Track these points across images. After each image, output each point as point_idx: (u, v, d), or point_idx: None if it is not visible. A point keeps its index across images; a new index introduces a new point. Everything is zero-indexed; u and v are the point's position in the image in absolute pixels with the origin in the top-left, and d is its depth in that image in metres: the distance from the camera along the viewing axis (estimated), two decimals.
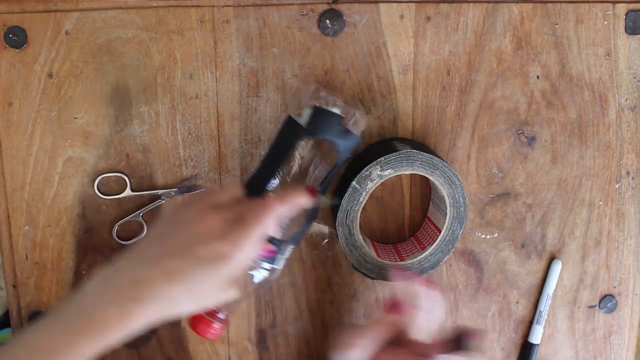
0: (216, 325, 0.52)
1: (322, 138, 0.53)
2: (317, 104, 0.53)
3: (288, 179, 0.55)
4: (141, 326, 0.42)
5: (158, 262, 0.43)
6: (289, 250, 0.54)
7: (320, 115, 0.52)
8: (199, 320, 0.53)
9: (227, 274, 0.43)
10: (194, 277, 0.42)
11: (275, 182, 0.54)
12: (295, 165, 0.55)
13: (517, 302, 0.67)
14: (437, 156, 0.56)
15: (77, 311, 0.42)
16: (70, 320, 0.41)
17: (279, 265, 0.53)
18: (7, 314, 1.22)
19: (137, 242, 0.46)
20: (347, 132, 0.53)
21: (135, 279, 0.42)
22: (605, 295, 0.67)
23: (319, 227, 0.63)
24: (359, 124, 0.54)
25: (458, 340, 0.50)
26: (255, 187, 0.52)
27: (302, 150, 0.55)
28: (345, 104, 0.55)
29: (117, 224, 0.61)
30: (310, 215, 0.54)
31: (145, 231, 0.61)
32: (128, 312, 0.41)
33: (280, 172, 0.54)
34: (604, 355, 0.69)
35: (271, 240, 0.52)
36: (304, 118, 0.53)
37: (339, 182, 0.61)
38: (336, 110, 0.53)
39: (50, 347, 0.40)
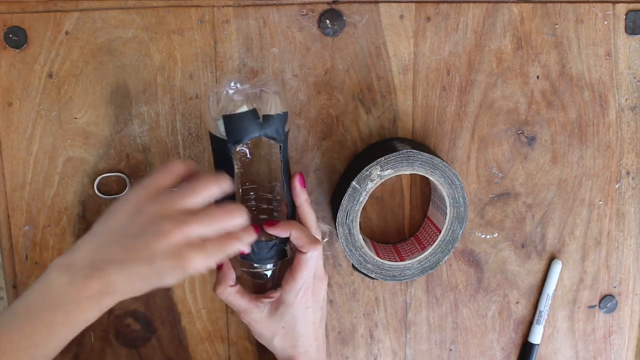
0: None
1: (248, 140, 0.50)
2: (225, 113, 0.49)
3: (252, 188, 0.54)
4: (119, 297, 0.44)
5: (117, 243, 0.45)
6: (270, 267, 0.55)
7: (231, 122, 0.48)
8: None
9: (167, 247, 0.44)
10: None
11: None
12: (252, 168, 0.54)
13: (517, 302, 0.67)
14: (437, 156, 0.56)
15: (46, 304, 0.44)
16: (40, 313, 0.44)
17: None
18: None
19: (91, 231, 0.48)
20: (266, 119, 0.49)
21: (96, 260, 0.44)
22: (605, 295, 0.67)
23: (320, 226, 0.63)
24: (275, 102, 0.50)
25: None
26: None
27: (247, 154, 0.53)
28: (259, 80, 0.51)
29: None
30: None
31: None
32: (97, 294, 0.44)
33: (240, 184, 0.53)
34: (604, 355, 0.69)
35: (247, 257, 0.53)
36: (221, 129, 0.49)
37: (339, 182, 0.61)
38: (243, 109, 0.48)
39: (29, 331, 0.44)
